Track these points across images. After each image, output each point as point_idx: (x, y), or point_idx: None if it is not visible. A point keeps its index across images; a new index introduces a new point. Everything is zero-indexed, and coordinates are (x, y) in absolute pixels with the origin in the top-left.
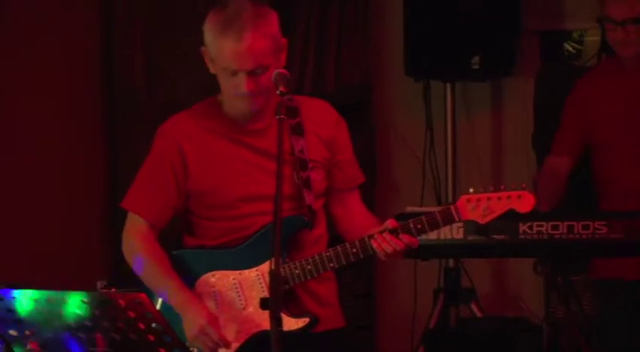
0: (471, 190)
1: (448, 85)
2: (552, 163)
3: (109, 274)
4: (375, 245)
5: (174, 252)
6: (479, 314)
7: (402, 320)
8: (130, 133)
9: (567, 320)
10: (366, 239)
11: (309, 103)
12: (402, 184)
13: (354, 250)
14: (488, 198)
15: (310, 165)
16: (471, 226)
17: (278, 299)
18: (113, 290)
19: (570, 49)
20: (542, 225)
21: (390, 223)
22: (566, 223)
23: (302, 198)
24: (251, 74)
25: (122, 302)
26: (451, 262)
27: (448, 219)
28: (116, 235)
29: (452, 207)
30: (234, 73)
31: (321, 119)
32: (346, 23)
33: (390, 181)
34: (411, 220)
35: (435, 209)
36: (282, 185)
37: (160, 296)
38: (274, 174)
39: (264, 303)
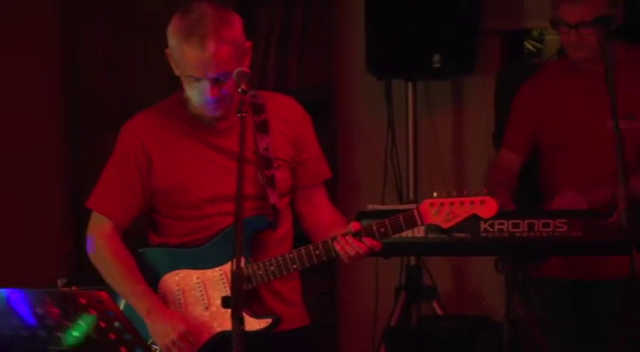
0: (435, 194)
1: (410, 84)
2: (505, 156)
3: (70, 272)
4: (338, 247)
5: (139, 251)
6: (440, 312)
7: (363, 318)
8: (92, 131)
9: (527, 318)
10: (329, 241)
11: (275, 100)
12: (363, 182)
13: (317, 252)
14: (452, 203)
15: (275, 164)
16: (433, 225)
17: (239, 299)
18: (74, 288)
19: (531, 47)
20: (503, 224)
21: (353, 226)
22: (526, 221)
23: (266, 198)
24: (214, 81)
25: (83, 301)
26: (413, 260)
27: (411, 223)
28: (77, 233)
29: (415, 211)
30: (198, 80)
31: (287, 116)
32: (309, 23)
33: (352, 179)
34: (374, 223)
35: (397, 207)
36: (246, 185)
37: (125, 300)
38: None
39: (225, 302)
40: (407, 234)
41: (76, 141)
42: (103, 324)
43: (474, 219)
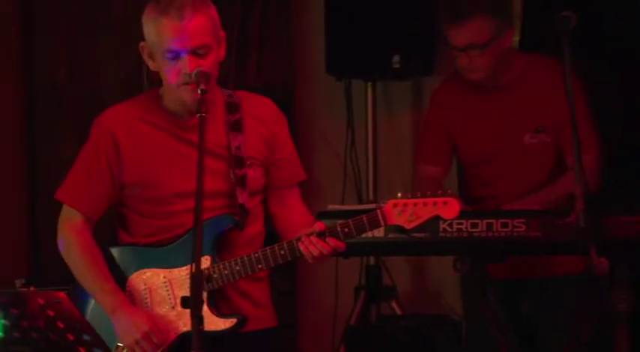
0: (399, 195)
1: (369, 84)
2: (426, 171)
3: (29, 273)
4: (302, 248)
5: (110, 249)
6: (399, 312)
7: (323, 317)
8: (51, 128)
9: (485, 317)
10: (294, 241)
11: (251, 100)
12: (323, 182)
13: (282, 252)
14: (415, 204)
15: (248, 162)
16: (394, 225)
17: (198, 298)
18: (32, 288)
19: None
20: (461, 223)
21: (317, 226)
22: (485, 221)
23: (235, 196)
24: (194, 54)
25: (41, 301)
26: (372, 260)
27: (374, 224)
28: (36, 233)
29: (378, 212)
30: (177, 56)
31: (263, 116)
32: (268, 23)
33: (312, 179)
34: (338, 223)
35: (357, 207)
36: (217, 181)
37: (92, 296)
38: (210, 170)
39: (184, 302)
40: (366, 233)
41: (34, 140)
42: (61, 325)
43: (434, 218)
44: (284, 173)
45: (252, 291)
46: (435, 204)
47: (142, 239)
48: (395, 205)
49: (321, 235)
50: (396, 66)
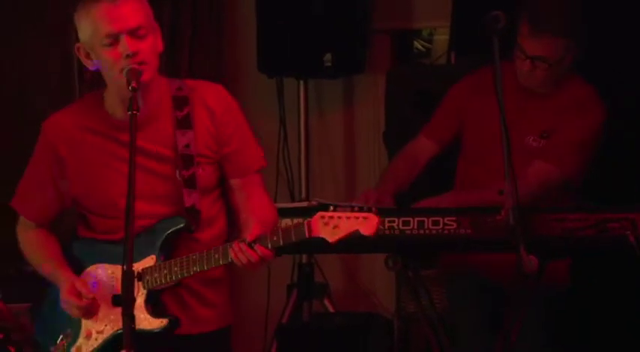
0: (331, 208)
1: (301, 82)
2: (419, 143)
3: None
4: (231, 254)
5: (70, 243)
6: (331, 310)
7: (255, 315)
8: None
9: (417, 314)
10: (227, 246)
11: (202, 90)
12: None
13: (217, 256)
14: (339, 217)
15: (196, 160)
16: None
17: (130, 297)
18: None
19: (420, 47)
20: (393, 221)
21: (249, 235)
22: (416, 219)
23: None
24: (133, 36)
25: None
26: (304, 258)
27: (299, 235)
28: None
29: (305, 223)
30: (115, 40)
31: (212, 106)
32: (199, 19)
33: None
34: (269, 233)
35: (289, 205)
36: (162, 185)
37: (50, 279)
38: (157, 174)
39: (115, 301)
40: None
41: None
42: None
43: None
44: (237, 165)
45: (204, 292)
46: (356, 218)
47: (100, 235)
48: (322, 217)
49: (249, 244)
50: (328, 64)
